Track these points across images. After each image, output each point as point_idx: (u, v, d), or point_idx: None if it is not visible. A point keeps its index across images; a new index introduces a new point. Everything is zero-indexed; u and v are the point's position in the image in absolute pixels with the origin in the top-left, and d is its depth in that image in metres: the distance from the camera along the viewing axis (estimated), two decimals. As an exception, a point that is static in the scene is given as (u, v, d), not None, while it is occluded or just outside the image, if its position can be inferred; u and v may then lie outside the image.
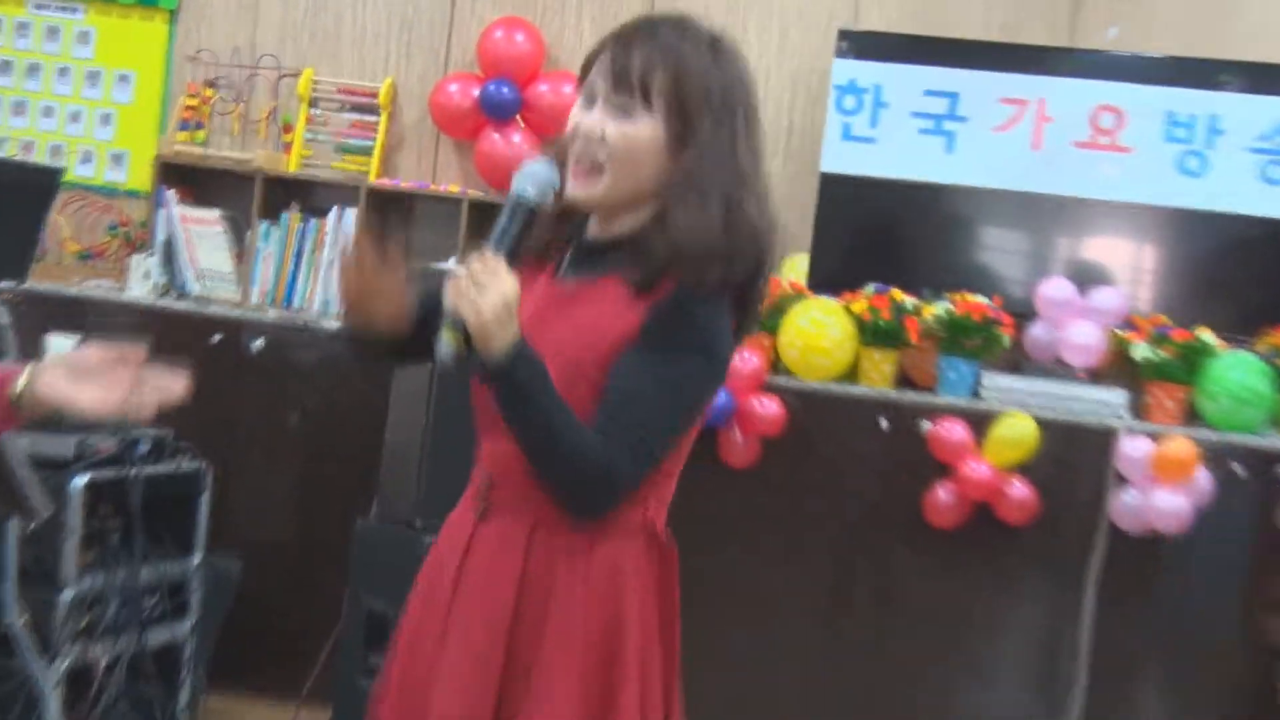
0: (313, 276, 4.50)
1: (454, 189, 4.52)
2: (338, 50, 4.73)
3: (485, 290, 1.64)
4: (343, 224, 4.49)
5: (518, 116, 4.48)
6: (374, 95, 4.63)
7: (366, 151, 4.62)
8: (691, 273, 1.71)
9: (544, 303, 1.80)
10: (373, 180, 4.54)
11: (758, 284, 1.78)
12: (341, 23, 4.72)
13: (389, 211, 4.60)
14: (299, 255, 4.52)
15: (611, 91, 1.75)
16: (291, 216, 4.53)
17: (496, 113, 4.44)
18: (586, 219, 1.85)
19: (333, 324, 4.26)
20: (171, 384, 1.73)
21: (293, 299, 4.50)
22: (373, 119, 4.64)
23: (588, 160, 1.76)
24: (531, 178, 1.74)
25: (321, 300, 4.48)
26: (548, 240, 1.83)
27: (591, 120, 1.76)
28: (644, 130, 1.74)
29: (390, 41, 4.70)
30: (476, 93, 4.46)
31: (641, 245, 1.75)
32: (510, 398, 1.68)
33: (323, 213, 4.53)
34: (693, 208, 1.72)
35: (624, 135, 1.74)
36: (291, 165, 4.60)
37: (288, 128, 4.68)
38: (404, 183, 4.56)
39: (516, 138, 4.47)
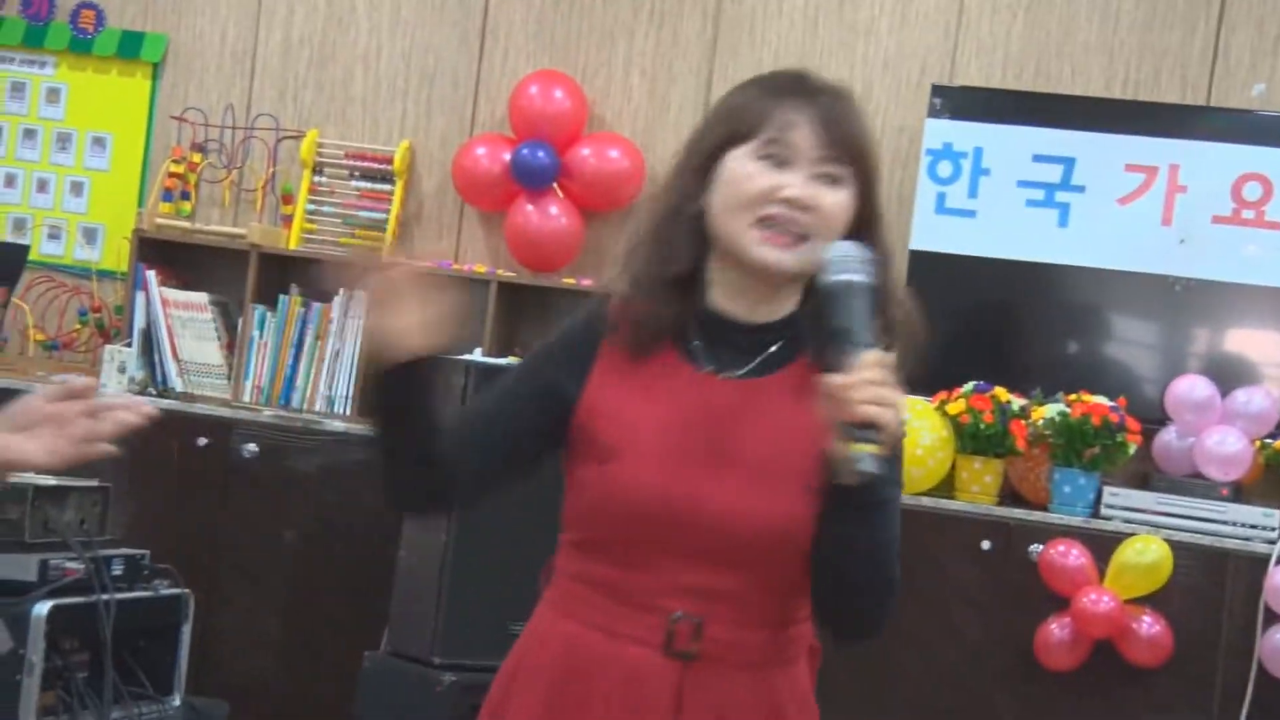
0: (315, 371, 4.67)
1: (480, 269, 4.70)
2: (346, 109, 4.95)
3: (891, 391, 1.77)
4: (351, 309, 4.67)
5: (555, 185, 4.67)
6: (388, 160, 4.83)
7: (379, 226, 4.82)
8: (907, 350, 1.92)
9: (717, 402, 1.91)
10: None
11: None
12: (351, 77, 4.95)
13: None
14: (299, 346, 4.69)
15: (825, 158, 1.90)
16: (291, 301, 4.71)
17: (531, 180, 4.63)
18: (699, 297, 1.95)
19: (339, 425, 4.44)
20: (129, 411, 1.86)
21: (291, 397, 4.67)
22: (386, 188, 4.84)
23: (794, 228, 1.89)
24: (854, 260, 1.86)
25: (325, 398, 4.65)
26: (664, 322, 1.94)
27: (802, 186, 1.89)
28: (847, 201, 1.92)
29: (408, 99, 4.92)
30: (508, 157, 4.65)
31: (859, 308, 1.88)
32: (885, 508, 1.84)
33: (327, 297, 4.71)
34: (894, 283, 1.96)
35: (837, 206, 1.91)
36: (292, 242, 4.81)
37: (288, 198, 4.89)
38: (422, 261, 4.73)
39: (554, 209, 4.65)
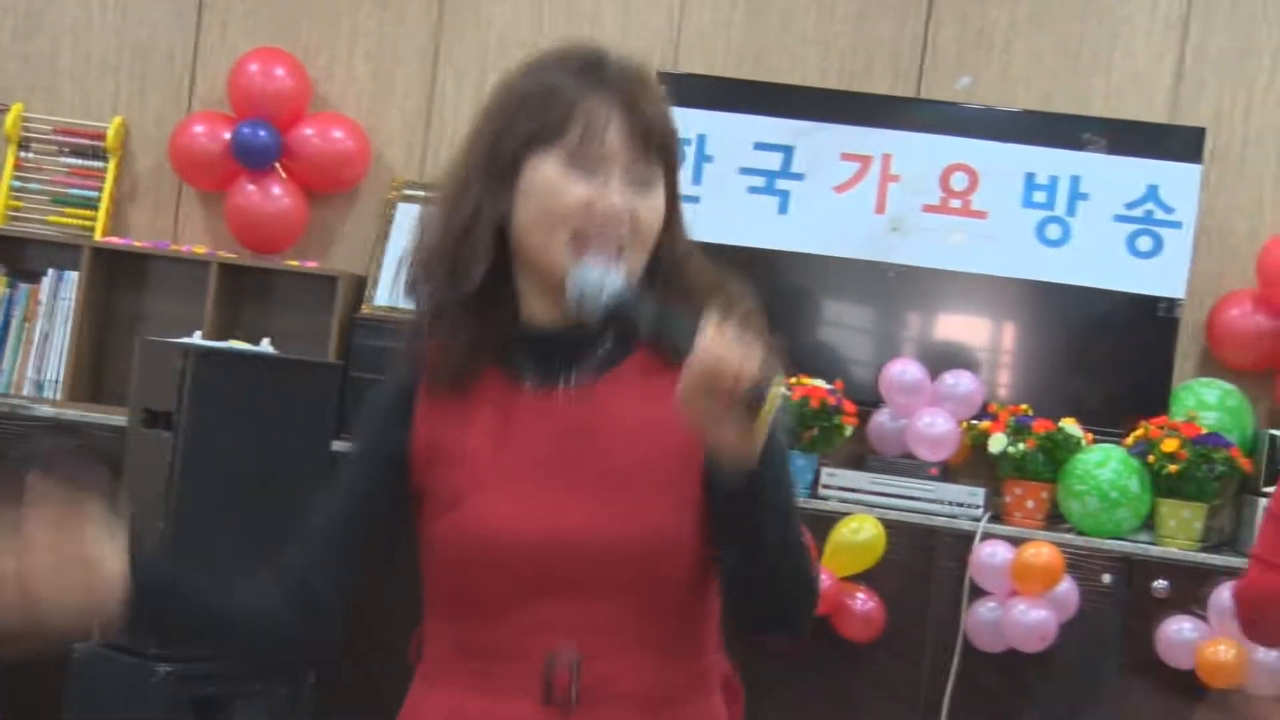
0: (23, 354, 4.51)
1: (199, 249, 4.59)
2: (54, 82, 4.78)
3: (745, 343, 1.62)
4: (61, 290, 4.53)
5: (277, 164, 4.60)
6: (100, 137, 4.69)
7: (91, 204, 4.68)
8: None
9: (558, 418, 1.77)
10: (99, 238, 4.60)
11: None
12: (59, 49, 4.78)
13: (119, 275, 4.65)
14: (5, 328, 4.53)
15: (636, 160, 1.76)
16: (-4, 281, 4.57)
17: (251, 159, 4.55)
18: (509, 309, 1.80)
19: (49, 410, 4.29)
20: None
21: (-4, 381, 4.52)
22: (99, 165, 4.70)
23: (611, 243, 1.74)
24: (596, 276, 1.73)
25: (34, 382, 4.49)
26: (472, 346, 1.78)
27: (618, 199, 1.74)
28: (661, 201, 1.78)
29: (120, 73, 4.78)
30: (227, 135, 4.56)
31: (651, 310, 1.75)
32: (779, 482, 1.69)
33: (36, 276, 4.56)
34: (699, 257, 1.83)
35: (652, 212, 1.77)
36: (-4, 219, 4.64)
37: (-9, 174, 4.71)
38: (138, 241, 4.62)
39: (276, 189, 4.58)
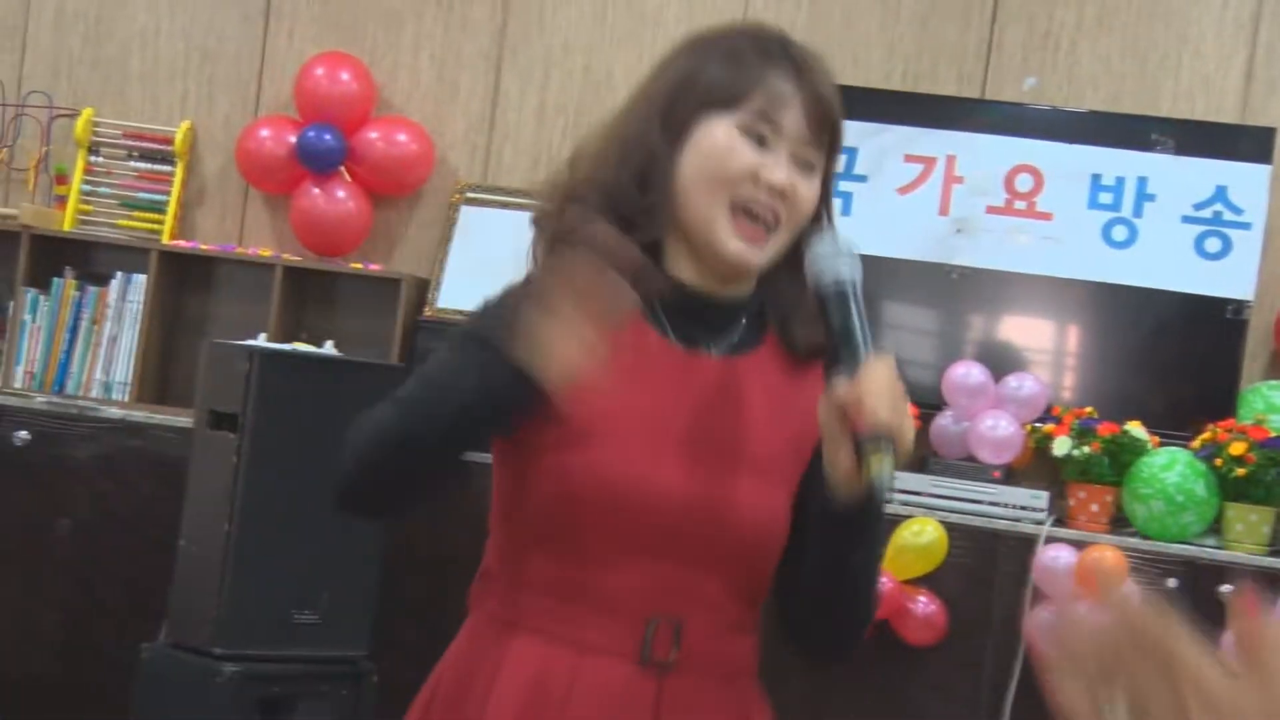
0: (92, 356, 4.57)
1: (265, 252, 4.64)
2: (124, 87, 4.84)
3: (903, 399, 1.63)
4: (129, 293, 4.58)
5: (342, 168, 4.63)
6: (168, 141, 4.74)
7: (159, 208, 4.73)
8: None
9: (698, 382, 1.78)
10: (166, 242, 4.65)
11: None
12: (129, 54, 4.84)
13: (186, 278, 4.70)
14: (74, 330, 4.59)
15: (808, 141, 1.78)
16: (66, 284, 4.61)
17: (317, 163, 4.58)
18: (658, 266, 1.80)
19: (116, 412, 4.34)
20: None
21: (65, 383, 4.56)
22: (167, 169, 4.75)
23: (768, 216, 1.77)
24: (845, 257, 1.73)
25: (102, 384, 4.55)
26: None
27: (784, 173, 1.76)
28: (817, 190, 1.81)
29: (189, 78, 4.83)
30: (293, 140, 4.60)
31: (790, 300, 1.79)
32: (882, 522, 1.76)
33: (104, 279, 4.62)
34: None
35: (810, 196, 1.79)
36: (66, 223, 4.69)
37: (62, 178, 4.76)
38: (205, 245, 4.67)
39: (341, 193, 4.62)
